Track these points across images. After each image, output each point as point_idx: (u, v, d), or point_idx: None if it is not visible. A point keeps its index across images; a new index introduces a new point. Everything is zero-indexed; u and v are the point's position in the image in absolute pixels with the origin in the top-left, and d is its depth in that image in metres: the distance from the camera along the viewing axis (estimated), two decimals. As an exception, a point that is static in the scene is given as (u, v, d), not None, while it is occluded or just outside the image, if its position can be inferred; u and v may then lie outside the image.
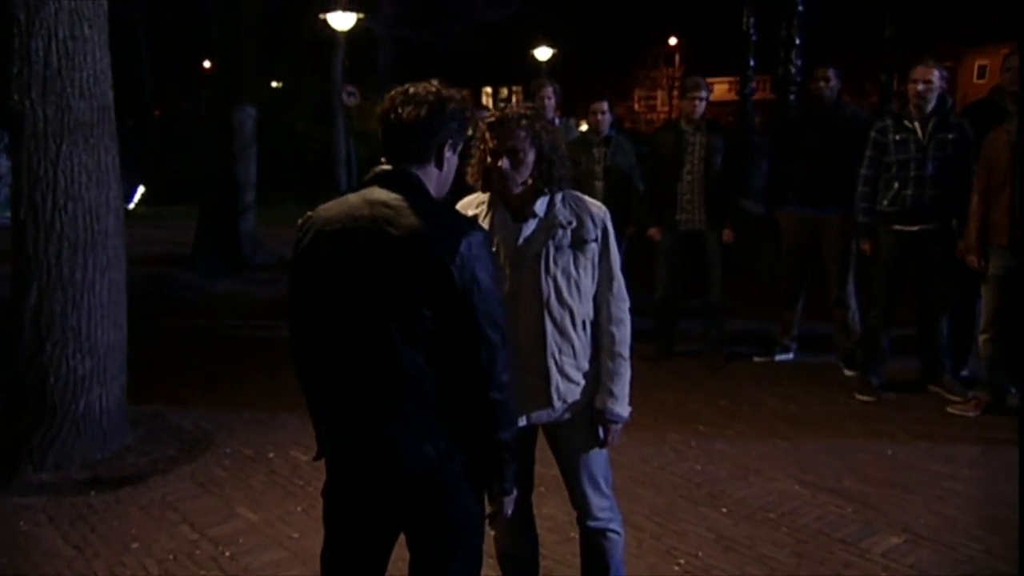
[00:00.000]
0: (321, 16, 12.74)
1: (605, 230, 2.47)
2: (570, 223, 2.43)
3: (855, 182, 4.97)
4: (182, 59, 20.37)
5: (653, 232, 5.69)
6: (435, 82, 1.98)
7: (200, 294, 8.42)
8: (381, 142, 1.98)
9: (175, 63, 21.63)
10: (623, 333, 2.50)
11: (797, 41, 9.08)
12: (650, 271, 5.80)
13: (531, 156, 2.38)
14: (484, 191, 2.50)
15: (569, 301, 2.41)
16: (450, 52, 21.17)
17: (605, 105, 5.82)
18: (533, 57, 23.71)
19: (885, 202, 4.85)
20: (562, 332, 2.42)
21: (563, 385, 2.45)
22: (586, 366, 2.49)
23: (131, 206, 15.80)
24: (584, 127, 6.48)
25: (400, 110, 1.92)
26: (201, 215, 9.72)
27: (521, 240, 2.42)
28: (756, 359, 5.83)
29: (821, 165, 5.29)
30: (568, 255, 2.41)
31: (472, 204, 2.52)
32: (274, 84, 20.00)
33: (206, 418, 4.85)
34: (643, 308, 5.55)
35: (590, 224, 2.45)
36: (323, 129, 16.31)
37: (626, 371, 2.51)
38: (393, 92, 1.96)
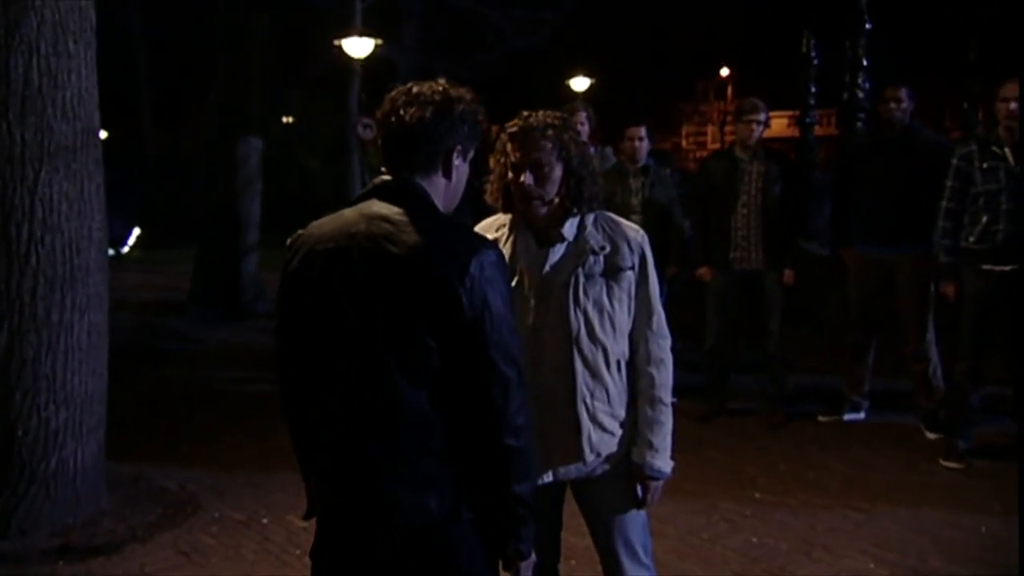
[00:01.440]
0: (336, 43, 12.97)
1: (643, 257, 2.45)
2: (603, 248, 2.41)
3: (933, 216, 4.92)
4: (185, 89, 20.87)
5: (703, 272, 5.68)
6: (443, 81, 1.97)
7: (194, 343, 8.50)
8: (381, 149, 1.96)
9: (177, 93, 22.16)
10: (664, 375, 2.46)
11: (865, 62, 9.05)
12: (698, 318, 5.75)
13: (558, 171, 2.37)
14: (505, 211, 2.49)
15: (602, 337, 2.38)
16: (477, 83, 21.35)
17: (642, 131, 5.85)
18: (569, 88, 24.03)
19: (971, 239, 4.79)
20: (594, 373, 2.38)
21: (596, 435, 2.40)
22: (622, 413, 2.44)
23: (125, 249, 16.05)
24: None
25: (402, 112, 1.91)
26: (198, 257, 9.83)
27: (547, 267, 2.40)
28: (821, 418, 5.76)
29: (893, 197, 5.24)
30: (600, 285, 2.39)
31: (492, 227, 2.50)
32: (285, 120, 20.39)
33: (193, 479, 4.82)
34: (691, 360, 5.57)
35: (626, 250, 2.42)
36: (338, 168, 16.56)
37: (668, 419, 2.46)
38: (394, 92, 1.96)
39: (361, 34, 12.94)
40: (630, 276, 2.42)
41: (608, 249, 2.41)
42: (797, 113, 11.83)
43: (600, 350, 2.38)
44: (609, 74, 26.17)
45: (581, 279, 2.37)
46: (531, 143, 2.35)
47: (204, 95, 10.06)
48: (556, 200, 2.38)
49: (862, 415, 5.73)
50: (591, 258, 2.39)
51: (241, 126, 9.46)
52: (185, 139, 21.17)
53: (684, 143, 42.83)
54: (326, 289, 1.88)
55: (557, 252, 2.40)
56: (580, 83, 24.68)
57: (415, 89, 1.94)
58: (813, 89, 10.58)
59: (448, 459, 1.85)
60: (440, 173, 1.95)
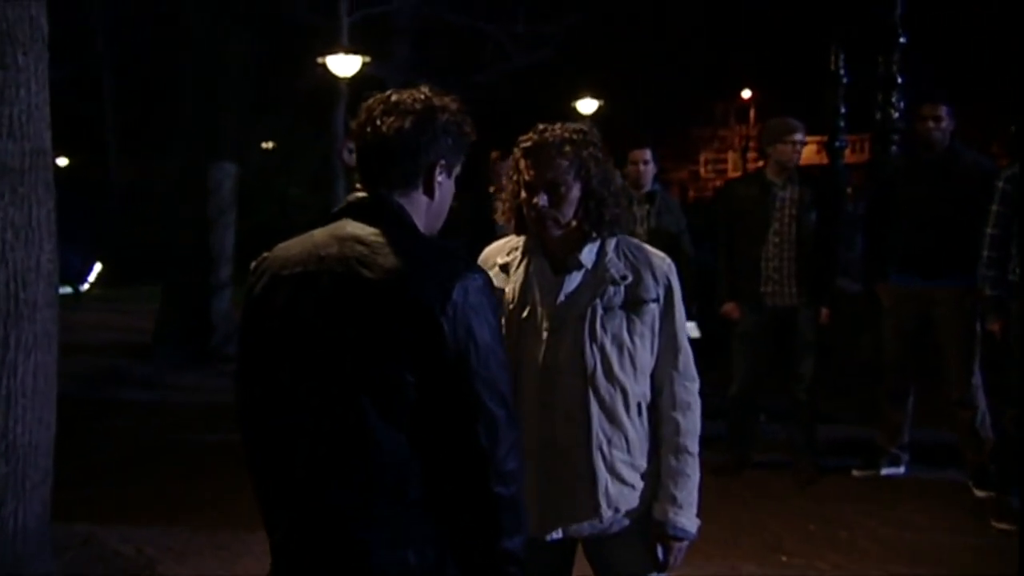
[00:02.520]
0: (320, 60, 13.08)
1: (669, 288, 2.45)
2: (624, 278, 2.42)
3: (978, 245, 4.92)
4: (155, 113, 21.01)
5: (730, 309, 5.66)
6: (425, 88, 1.98)
7: (158, 390, 8.47)
8: (356, 163, 2.00)
9: (146, 117, 22.31)
10: (691, 421, 2.45)
11: (899, 80, 9.08)
12: (721, 360, 5.73)
13: (575, 191, 2.39)
14: (518, 233, 2.51)
15: (620, 377, 2.37)
16: (476, 105, 21.50)
17: (647, 153, 5.87)
18: (575, 110, 24.19)
19: (1020, 269, 4.77)
20: (612, 418, 2.38)
21: (613, 488, 2.39)
22: (643, 463, 2.44)
23: (85, 286, 16.05)
24: None
25: (379, 122, 1.92)
26: (165, 294, 9.84)
27: (562, 297, 2.41)
28: (856, 473, 5.72)
29: (933, 224, 5.24)
30: (620, 318, 2.39)
31: (503, 249, 2.54)
32: (265, 145, 20.50)
33: (151, 541, 4.76)
34: (712, 407, 5.44)
35: (650, 280, 2.43)
36: (321, 196, 16.63)
37: (694, 471, 2.45)
38: (371, 100, 1.97)
39: (347, 51, 13.06)
40: (654, 309, 2.42)
41: (630, 279, 2.41)
42: (825, 139, 11.85)
43: (619, 391, 2.37)
44: (619, 96, 26.39)
45: (599, 311, 2.37)
46: (546, 160, 2.36)
47: (175, 119, 10.09)
48: (573, 223, 2.40)
49: (901, 470, 5.68)
50: (611, 288, 2.39)
51: (213, 151, 9.50)
52: (155, 166, 21.30)
53: (702, 171, 43.11)
54: (292, 318, 1.87)
55: (574, 280, 2.41)
56: (587, 105, 24.83)
57: (394, 97, 1.95)
58: (843, 110, 10.60)
59: (429, 509, 1.83)
60: (421, 190, 1.96)
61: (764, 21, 26.39)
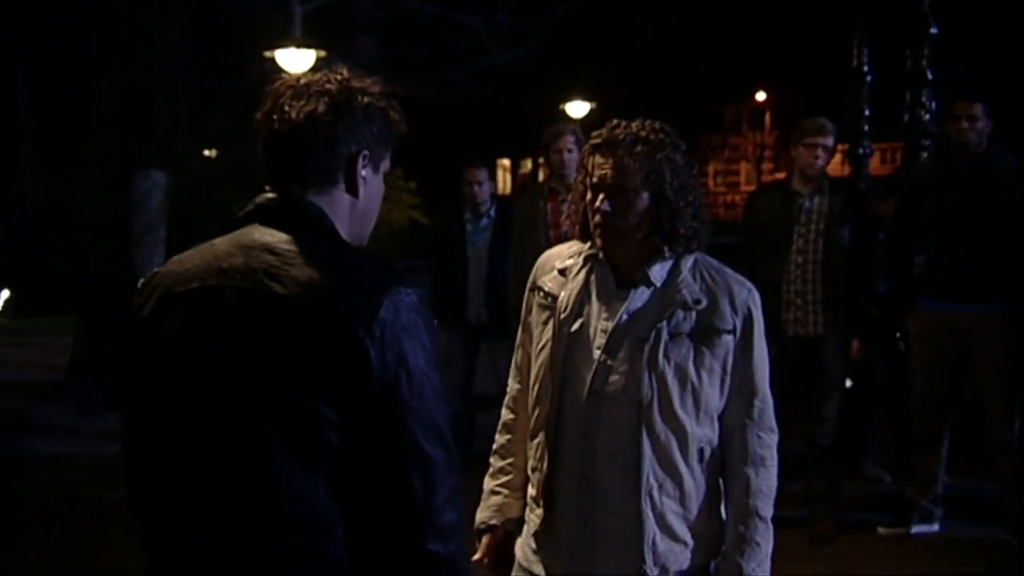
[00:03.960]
0: (267, 55, 13.06)
1: (749, 320, 2.48)
2: (698, 302, 2.44)
3: (1020, 264, 5.01)
4: (77, 123, 20.96)
5: None
6: (344, 70, 1.99)
7: (69, 438, 8.35)
8: (264, 159, 1.96)
9: (65, 129, 22.24)
10: (763, 480, 2.46)
11: (929, 76, 9.10)
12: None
13: (644, 199, 2.42)
14: (583, 239, 2.57)
15: (681, 415, 2.40)
16: (452, 109, 21.64)
17: None
18: (564, 114, 24.37)
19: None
20: (666, 460, 2.41)
21: (662, 542, 2.42)
22: (699, 519, 2.46)
23: (-9, 317, 15.91)
24: None
25: (287, 108, 1.90)
26: (81, 324, 9.75)
27: (624, 314, 2.45)
28: (882, 530, 5.72)
29: (970, 240, 5.26)
30: (688, 348, 2.42)
31: (564, 254, 2.62)
32: (207, 152, 20.46)
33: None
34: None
35: (727, 307, 2.45)
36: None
37: (765, 541, 2.47)
38: (278, 84, 1.96)
39: (300, 45, 13.03)
40: (728, 342, 2.44)
41: (705, 304, 2.44)
42: (849, 147, 11.87)
43: (678, 432, 2.40)
44: (613, 98, 26.49)
45: (664, 336, 2.40)
46: (613, 160, 2.41)
47: (96, 123, 10.05)
48: (640, 235, 2.44)
49: (935, 527, 5.69)
50: (681, 312, 2.42)
51: (139, 159, 9.44)
52: (78, 180, 21.20)
53: (711, 184, 43.34)
54: (186, 343, 1.85)
55: (639, 298, 2.45)
56: (577, 108, 25.09)
57: (304, 80, 1.93)
58: (867, 111, 10.58)
59: (353, 571, 1.80)
60: (342, 187, 1.94)
61: (780, 13, 26.58)
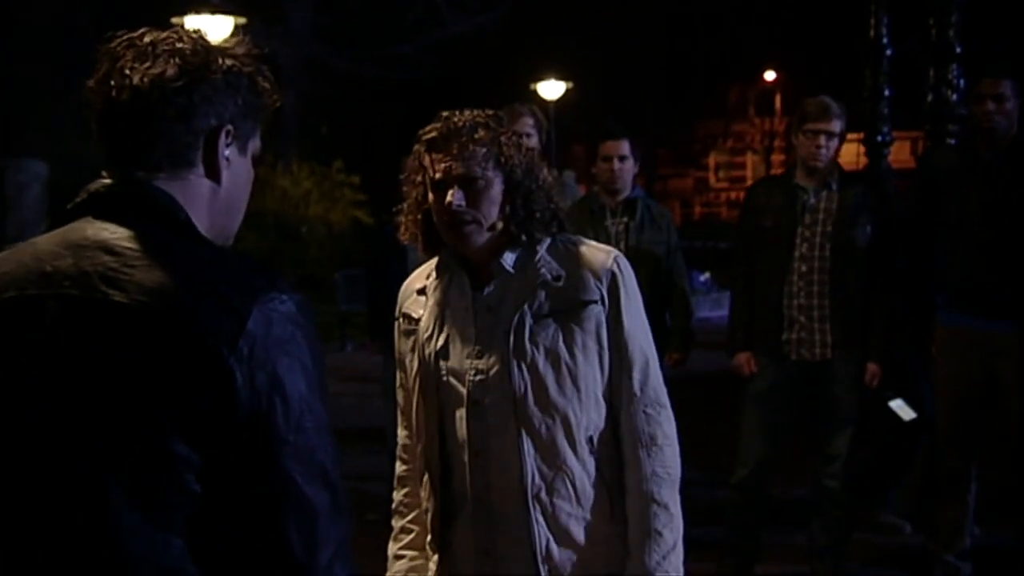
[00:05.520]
0: (176, 21, 13.08)
1: (615, 284, 2.61)
2: (558, 279, 2.60)
3: None
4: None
5: (742, 362, 5.66)
6: (199, 28, 1.98)
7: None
8: (99, 136, 1.92)
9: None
10: (658, 461, 2.58)
11: (957, 49, 9.16)
12: (724, 433, 5.84)
13: (497, 186, 2.57)
14: (427, 252, 2.72)
15: (559, 402, 2.54)
16: (404, 90, 21.65)
17: (624, 147, 5.88)
18: (536, 95, 24.56)
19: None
20: (549, 455, 2.53)
21: (558, 551, 2.54)
22: (597, 518, 2.58)
23: None
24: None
25: (128, 73, 1.83)
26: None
27: (485, 312, 2.62)
28: None
29: (998, 243, 5.28)
30: (555, 328, 2.57)
31: (423, 273, 2.76)
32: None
33: None
34: (710, 499, 5.37)
35: (589, 277, 2.60)
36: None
37: (669, 530, 2.56)
38: (114, 43, 1.89)
39: (214, 11, 13.16)
40: (597, 313, 2.58)
41: (565, 278, 2.59)
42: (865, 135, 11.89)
43: (559, 421, 2.53)
44: (593, 77, 26.70)
45: (527, 321, 2.56)
46: (457, 151, 2.54)
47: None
48: (499, 225, 2.58)
49: (961, 585, 5.73)
50: (542, 293, 2.58)
51: (11, 146, 9.38)
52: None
53: (712, 179, 43.74)
54: (0, 369, 1.78)
55: (495, 290, 2.61)
56: (551, 88, 25.49)
57: (148, 37, 1.87)
58: (887, 92, 10.59)
59: None
60: (200, 171, 1.89)
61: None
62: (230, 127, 1.90)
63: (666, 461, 2.58)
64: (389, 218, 7.12)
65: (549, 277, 2.58)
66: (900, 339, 5.76)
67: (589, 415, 2.56)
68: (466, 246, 2.59)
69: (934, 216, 5.51)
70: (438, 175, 2.55)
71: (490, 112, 2.66)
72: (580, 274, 2.59)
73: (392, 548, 2.83)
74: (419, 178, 2.63)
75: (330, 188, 21.34)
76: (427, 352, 2.65)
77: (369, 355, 8.03)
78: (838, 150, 5.55)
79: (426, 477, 2.69)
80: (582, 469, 2.55)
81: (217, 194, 1.92)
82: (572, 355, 2.55)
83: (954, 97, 8.96)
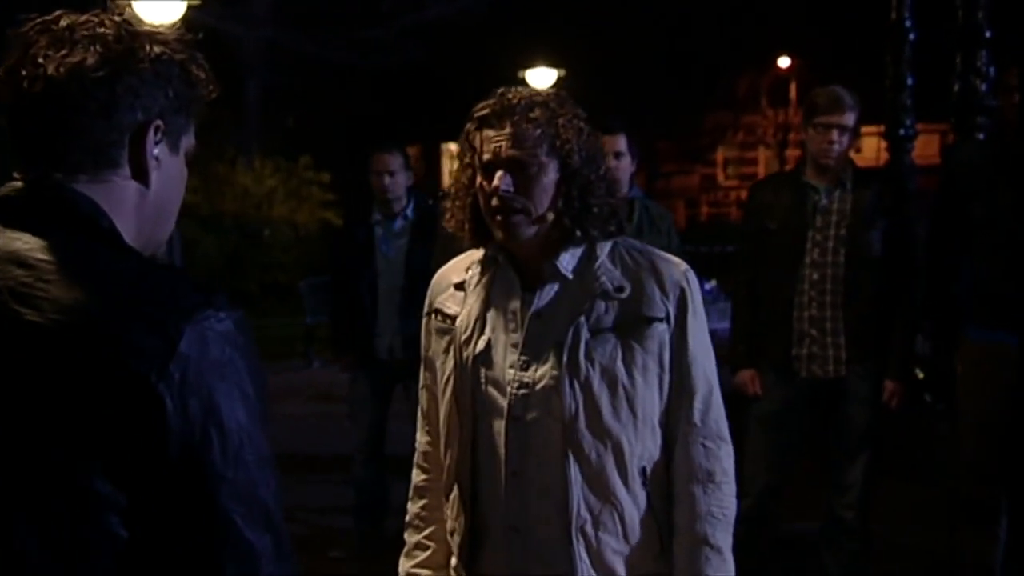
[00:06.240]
0: (119, 1, 13.12)
1: (684, 304, 2.61)
2: (620, 290, 2.59)
3: None
4: None
5: (746, 379, 5.67)
6: (123, 12, 1.96)
7: None
8: (10, 133, 1.89)
9: None
10: (714, 499, 2.60)
11: (987, 34, 9.18)
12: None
13: (551, 173, 2.56)
14: (475, 244, 2.70)
15: (613, 428, 2.54)
16: (380, 79, 21.69)
17: (621, 142, 5.88)
18: (524, 83, 24.52)
19: None
20: (599, 486, 2.54)
21: None
22: (643, 557, 2.60)
23: None
24: None
25: (43, 61, 1.81)
26: None
27: (535, 319, 2.60)
28: None
29: None
30: (614, 344, 2.56)
31: (462, 265, 2.76)
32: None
33: None
34: None
35: (655, 292, 2.60)
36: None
37: (720, 572, 2.58)
38: (27, 27, 1.87)
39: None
40: (661, 332, 2.58)
41: (628, 290, 2.58)
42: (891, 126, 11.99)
43: (611, 448, 2.53)
44: (588, 63, 26.82)
45: (583, 335, 2.55)
46: (509, 130, 2.52)
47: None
48: (550, 217, 2.57)
49: (988, 629, 5.71)
50: (601, 304, 2.57)
51: None
52: None
53: (720, 176, 43.89)
54: None
55: (548, 295, 2.60)
56: (542, 76, 25.53)
57: (65, 22, 1.84)
58: (909, 81, 10.59)
59: None
60: (125, 172, 1.86)
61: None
62: (159, 123, 1.87)
63: (723, 501, 2.60)
64: (357, 219, 7.11)
65: (611, 287, 2.58)
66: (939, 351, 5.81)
67: (644, 444, 2.57)
68: (511, 237, 2.58)
69: (961, 217, 5.47)
70: (487, 156, 2.56)
71: (551, 91, 2.68)
72: (645, 287, 2.59)
73: (405, 565, 2.84)
74: (468, 159, 2.64)
75: (296, 186, 21.40)
76: (465, 355, 2.64)
77: (337, 373, 7.92)
78: (851, 145, 5.55)
79: (454, 494, 2.67)
80: (632, 503, 2.56)
81: (145, 198, 1.90)
82: (631, 376, 2.55)
83: (983, 86, 8.99)
